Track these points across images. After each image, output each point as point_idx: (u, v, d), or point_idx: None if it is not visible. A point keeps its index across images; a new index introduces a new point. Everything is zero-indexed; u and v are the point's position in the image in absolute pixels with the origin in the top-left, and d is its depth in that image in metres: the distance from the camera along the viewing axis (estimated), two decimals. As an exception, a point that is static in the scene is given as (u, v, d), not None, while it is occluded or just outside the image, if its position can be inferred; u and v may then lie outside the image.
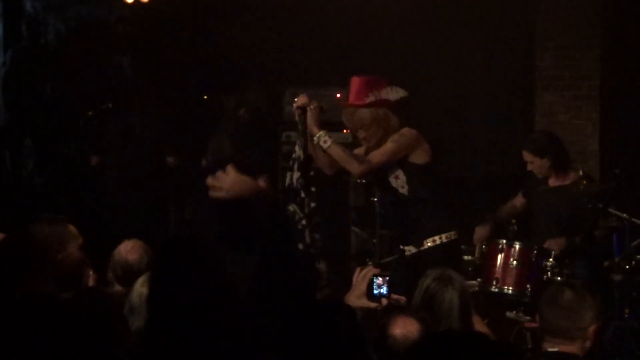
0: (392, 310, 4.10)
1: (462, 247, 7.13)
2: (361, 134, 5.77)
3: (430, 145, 5.82)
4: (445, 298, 4.37)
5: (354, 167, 5.68)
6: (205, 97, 8.90)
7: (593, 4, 8.41)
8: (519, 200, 6.96)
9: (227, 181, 3.74)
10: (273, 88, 8.97)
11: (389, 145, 5.70)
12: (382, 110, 5.72)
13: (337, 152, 5.63)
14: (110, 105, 7.89)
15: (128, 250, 4.93)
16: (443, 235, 5.80)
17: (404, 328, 4.00)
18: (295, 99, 5.58)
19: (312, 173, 5.52)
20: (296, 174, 5.56)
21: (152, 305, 3.47)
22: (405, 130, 5.75)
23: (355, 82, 5.79)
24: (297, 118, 5.56)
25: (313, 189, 5.52)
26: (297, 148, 5.60)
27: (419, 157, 5.75)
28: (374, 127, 5.72)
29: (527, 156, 6.71)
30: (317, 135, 5.53)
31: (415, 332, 3.99)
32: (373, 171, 5.79)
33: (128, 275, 4.78)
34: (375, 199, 7.30)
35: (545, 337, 4.06)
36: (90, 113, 7.87)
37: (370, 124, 5.70)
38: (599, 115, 8.32)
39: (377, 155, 5.71)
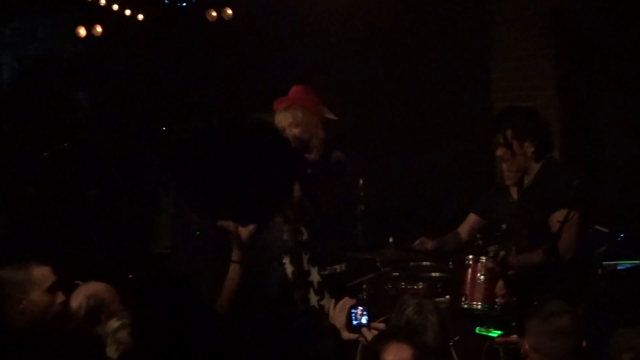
0: (385, 336, 4.09)
1: (429, 263, 7.27)
2: (293, 131, 5.93)
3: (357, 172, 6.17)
4: (428, 329, 4.37)
5: None
6: (164, 127, 8.85)
7: (547, 16, 8.48)
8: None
9: None
10: (236, 115, 8.89)
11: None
12: (314, 116, 5.98)
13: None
14: (66, 145, 7.91)
15: (73, 297, 4.86)
16: (343, 265, 6.11)
17: (396, 355, 3.98)
18: None
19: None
20: None
21: (136, 339, 3.60)
22: (340, 155, 6.07)
23: (298, 88, 6.12)
24: None
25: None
26: None
27: (345, 186, 6.12)
28: (303, 127, 5.93)
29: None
30: None
31: (408, 358, 3.98)
32: None
33: (74, 323, 4.74)
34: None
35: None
36: (45, 154, 7.89)
37: (302, 122, 5.93)
38: (556, 124, 8.35)
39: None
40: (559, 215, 5.45)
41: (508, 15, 8.62)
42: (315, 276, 5.81)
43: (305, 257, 5.73)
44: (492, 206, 6.32)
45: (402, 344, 3.99)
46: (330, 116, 6.11)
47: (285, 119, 5.98)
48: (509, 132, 5.74)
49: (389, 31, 8.76)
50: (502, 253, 5.56)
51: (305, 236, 5.79)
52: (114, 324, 4.41)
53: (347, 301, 3.99)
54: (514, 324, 5.55)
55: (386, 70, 8.86)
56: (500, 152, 5.82)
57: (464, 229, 6.42)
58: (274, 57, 8.82)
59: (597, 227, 6.59)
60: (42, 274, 4.59)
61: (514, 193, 6.10)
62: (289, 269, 5.85)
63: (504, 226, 6.13)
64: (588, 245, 5.99)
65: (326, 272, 6.00)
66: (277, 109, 6.05)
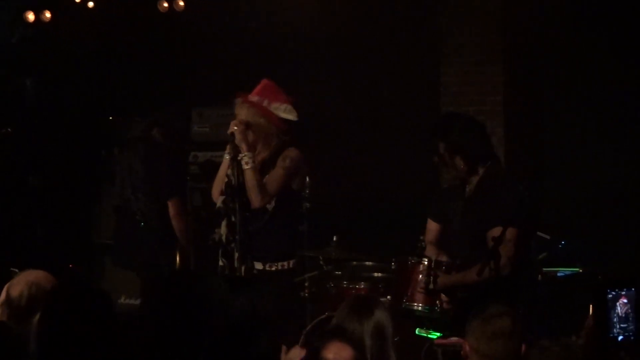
0: (326, 334, 4.11)
1: (371, 263, 7.35)
2: (240, 126, 5.93)
3: (309, 169, 6.21)
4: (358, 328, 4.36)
5: (257, 199, 5.91)
6: (111, 117, 8.82)
7: (496, 21, 8.53)
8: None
9: None
10: (180, 108, 8.83)
11: (280, 172, 5.99)
12: (260, 118, 5.96)
13: (251, 178, 5.87)
14: (9, 129, 7.85)
15: (13, 284, 4.67)
16: (291, 262, 6.09)
17: (336, 354, 3.97)
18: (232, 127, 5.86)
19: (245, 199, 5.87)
20: (220, 198, 5.96)
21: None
22: (292, 152, 6.04)
23: (262, 85, 6.07)
24: (229, 144, 5.88)
25: (248, 213, 5.91)
26: (228, 172, 5.91)
27: (296, 183, 6.10)
28: (249, 126, 5.91)
29: None
30: (243, 155, 5.83)
31: (348, 358, 3.97)
32: (270, 200, 5.97)
33: (14, 312, 4.58)
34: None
35: None
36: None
37: (245, 121, 5.91)
38: (502, 129, 8.41)
39: (273, 185, 5.96)
40: (495, 232, 5.47)
41: (458, 20, 8.68)
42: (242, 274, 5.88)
43: (236, 255, 5.76)
44: (446, 208, 6.32)
45: (343, 344, 3.98)
46: (288, 116, 6.10)
47: (237, 114, 6.02)
48: (441, 145, 5.77)
49: (340, 31, 8.76)
50: (425, 279, 5.64)
51: (238, 234, 5.82)
52: None
53: (295, 351, 3.93)
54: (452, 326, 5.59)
55: (335, 69, 8.88)
56: (435, 160, 5.89)
57: (430, 239, 6.34)
58: (225, 51, 8.78)
59: (539, 233, 6.64)
60: None
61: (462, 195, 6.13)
62: (220, 262, 5.90)
63: (423, 242, 6.21)
64: (528, 255, 6.02)
65: (273, 269, 6.02)
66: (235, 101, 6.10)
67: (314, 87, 8.61)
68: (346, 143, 8.86)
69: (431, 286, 5.68)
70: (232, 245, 5.79)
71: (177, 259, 7.93)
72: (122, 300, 8.33)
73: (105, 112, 8.97)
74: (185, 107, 8.91)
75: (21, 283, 4.60)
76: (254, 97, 6.01)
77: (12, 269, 4.87)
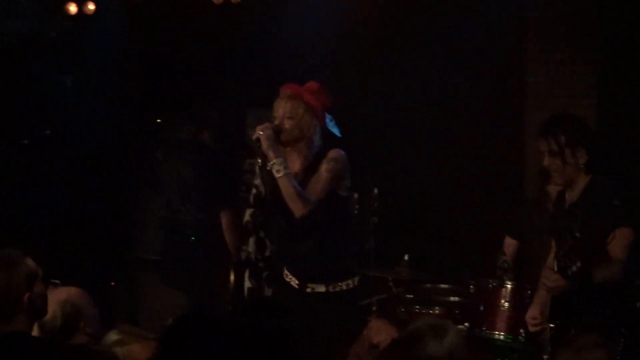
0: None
1: (448, 286, 7.31)
2: (286, 124, 5.60)
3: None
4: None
5: (299, 209, 5.54)
6: (159, 120, 8.62)
7: (588, 15, 8.27)
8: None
9: None
10: (235, 110, 8.80)
11: (325, 176, 5.57)
12: (313, 119, 5.62)
13: (286, 186, 5.49)
14: (48, 132, 7.81)
15: None
16: (356, 279, 5.70)
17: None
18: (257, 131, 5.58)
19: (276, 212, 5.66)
20: (249, 211, 5.81)
21: None
22: (337, 153, 5.62)
23: (313, 84, 5.75)
24: (256, 152, 5.56)
25: (276, 229, 5.75)
26: (256, 182, 5.67)
27: (343, 188, 5.67)
28: (296, 122, 5.58)
29: None
30: (272, 162, 5.44)
31: None
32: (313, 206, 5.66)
33: (49, 335, 4.50)
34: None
35: None
36: (26, 141, 7.83)
37: (299, 117, 5.57)
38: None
39: (317, 190, 5.54)
40: (609, 234, 5.21)
41: (546, 14, 8.37)
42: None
43: (264, 274, 5.50)
44: (526, 226, 6.37)
45: None
46: (334, 130, 5.89)
47: (283, 109, 5.62)
48: (561, 138, 5.40)
49: (417, 31, 8.55)
50: (578, 264, 5.12)
51: (268, 252, 5.67)
52: (112, 337, 4.34)
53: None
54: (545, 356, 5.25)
55: (411, 72, 8.53)
56: (548, 161, 5.47)
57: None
58: (279, 50, 8.49)
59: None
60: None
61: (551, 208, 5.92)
62: (247, 284, 5.80)
63: (505, 263, 6.22)
64: (631, 272, 5.62)
65: (337, 290, 5.62)
66: (281, 94, 5.71)
67: (389, 93, 8.42)
68: (419, 152, 8.59)
69: (578, 264, 5.13)
70: (261, 264, 5.45)
71: (232, 277, 7.60)
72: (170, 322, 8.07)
73: (151, 113, 8.81)
74: (239, 108, 8.80)
75: (52, 304, 4.51)
76: (315, 100, 5.68)
77: (52, 280, 4.67)
